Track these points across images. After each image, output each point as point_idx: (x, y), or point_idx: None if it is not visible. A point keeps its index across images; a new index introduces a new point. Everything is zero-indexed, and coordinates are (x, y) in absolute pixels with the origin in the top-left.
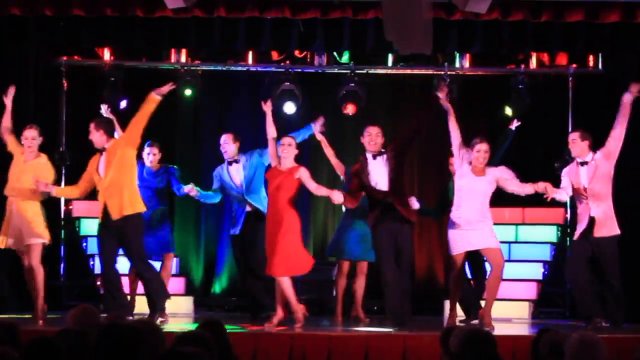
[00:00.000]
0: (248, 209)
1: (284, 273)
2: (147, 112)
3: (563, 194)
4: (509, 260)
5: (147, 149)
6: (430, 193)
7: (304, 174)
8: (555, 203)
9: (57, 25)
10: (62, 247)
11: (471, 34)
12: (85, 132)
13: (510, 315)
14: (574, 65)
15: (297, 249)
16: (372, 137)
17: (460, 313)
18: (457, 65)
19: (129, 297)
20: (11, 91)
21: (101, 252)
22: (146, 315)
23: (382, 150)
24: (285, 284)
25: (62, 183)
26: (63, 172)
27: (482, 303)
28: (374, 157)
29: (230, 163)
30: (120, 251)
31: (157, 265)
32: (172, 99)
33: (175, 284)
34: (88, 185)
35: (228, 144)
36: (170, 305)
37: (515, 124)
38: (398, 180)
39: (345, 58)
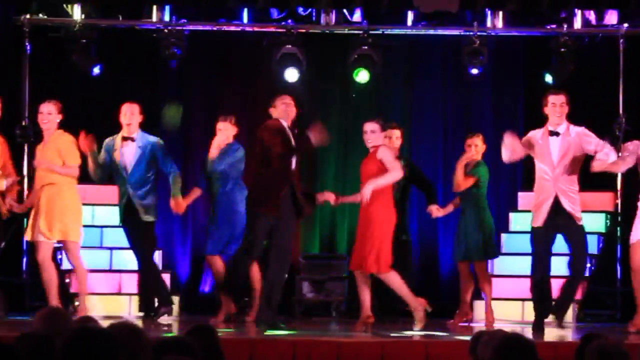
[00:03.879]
0: None
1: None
2: None
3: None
4: None
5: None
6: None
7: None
8: (603, 186)
9: None
10: (23, 240)
11: None
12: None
13: (550, 318)
14: (626, 25)
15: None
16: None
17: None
18: (489, 24)
19: None
20: None
21: None
22: (123, 317)
23: None
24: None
25: (25, 163)
26: (26, 150)
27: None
28: None
29: None
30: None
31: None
32: (153, 64)
33: None
34: None
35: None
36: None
37: None
38: None
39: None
